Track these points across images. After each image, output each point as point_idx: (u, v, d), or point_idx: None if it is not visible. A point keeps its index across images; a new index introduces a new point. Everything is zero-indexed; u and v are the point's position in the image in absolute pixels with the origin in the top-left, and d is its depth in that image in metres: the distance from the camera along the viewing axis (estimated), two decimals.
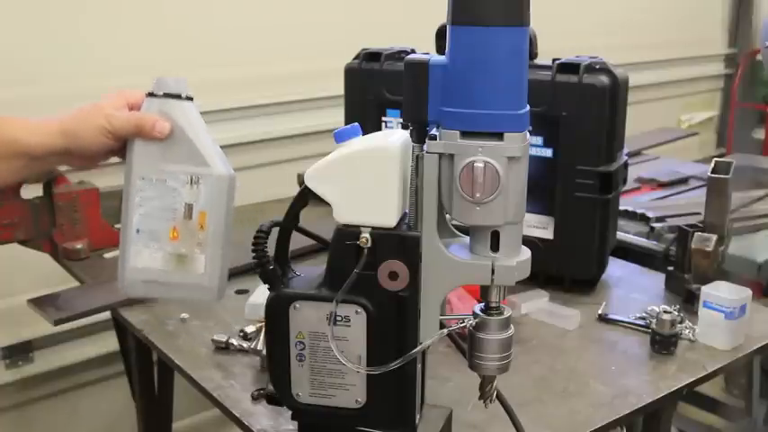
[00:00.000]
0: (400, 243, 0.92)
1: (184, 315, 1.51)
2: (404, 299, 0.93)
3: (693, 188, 2.38)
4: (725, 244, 1.64)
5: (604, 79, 1.53)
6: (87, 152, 1.01)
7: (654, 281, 1.69)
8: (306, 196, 0.96)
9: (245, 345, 1.37)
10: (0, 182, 1.10)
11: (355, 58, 1.79)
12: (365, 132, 0.97)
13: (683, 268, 1.59)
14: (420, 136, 0.92)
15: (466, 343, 0.97)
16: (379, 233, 0.92)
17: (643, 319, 1.49)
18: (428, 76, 0.89)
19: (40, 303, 1.58)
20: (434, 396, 1.10)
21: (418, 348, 0.95)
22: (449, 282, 0.95)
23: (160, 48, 2.24)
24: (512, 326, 0.96)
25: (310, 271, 1.02)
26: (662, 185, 2.41)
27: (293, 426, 1.05)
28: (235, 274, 1.70)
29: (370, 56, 1.76)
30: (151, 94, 0.97)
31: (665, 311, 1.42)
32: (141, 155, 0.96)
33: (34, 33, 2.02)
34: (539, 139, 1.57)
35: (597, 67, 1.55)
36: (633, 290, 1.65)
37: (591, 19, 3.43)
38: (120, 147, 0.99)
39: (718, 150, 4.43)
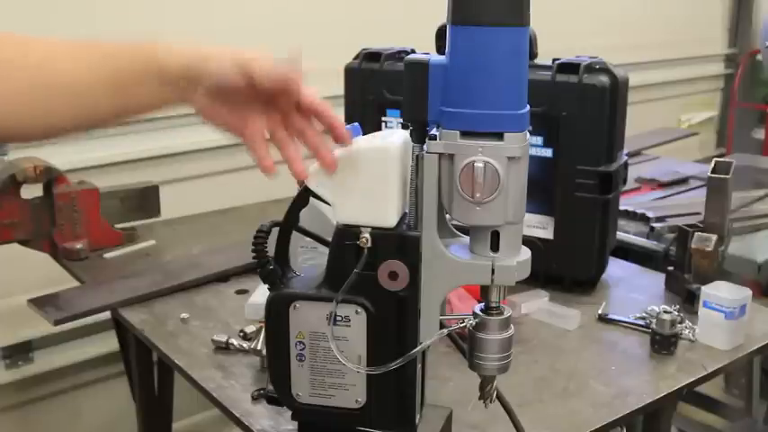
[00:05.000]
0: (400, 243, 0.92)
1: (184, 315, 1.51)
2: (404, 299, 0.93)
3: (693, 188, 2.38)
4: (725, 244, 1.64)
5: (604, 79, 1.53)
6: (214, 86, 0.88)
7: (654, 281, 1.69)
8: (306, 196, 0.97)
9: (245, 345, 1.37)
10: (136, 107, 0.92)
11: (355, 58, 1.79)
12: (365, 132, 0.97)
13: (683, 268, 1.59)
14: (420, 136, 0.92)
15: (466, 343, 0.97)
16: (379, 233, 0.92)
17: (643, 319, 1.49)
18: (428, 76, 0.89)
19: (40, 303, 1.58)
20: (434, 396, 1.10)
21: (418, 348, 0.95)
22: (449, 282, 0.94)
23: None
24: (512, 326, 0.96)
25: (310, 271, 1.02)
26: (662, 185, 2.41)
27: (293, 426, 1.05)
28: (235, 274, 1.71)
29: (370, 56, 1.76)
30: None
31: (665, 311, 1.42)
32: None
33: (34, 33, 2.02)
34: (539, 139, 1.57)
35: (597, 67, 1.55)
36: (633, 290, 1.65)
37: (591, 19, 3.43)
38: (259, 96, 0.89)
39: (718, 150, 4.43)
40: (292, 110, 0.93)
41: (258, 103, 0.92)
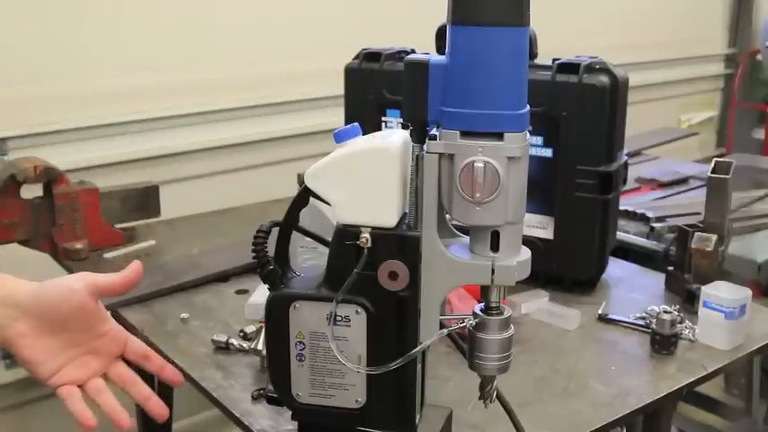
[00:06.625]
0: (400, 243, 0.92)
1: (184, 315, 1.51)
2: (404, 299, 0.93)
3: (693, 188, 2.38)
4: (725, 244, 1.64)
5: (604, 79, 1.53)
6: None
7: (654, 281, 1.69)
8: (306, 196, 0.97)
9: (245, 345, 1.37)
10: None
11: (355, 58, 1.79)
12: (365, 132, 0.97)
13: (683, 268, 1.59)
14: (420, 136, 0.92)
15: (466, 343, 0.97)
16: (378, 233, 0.92)
17: (643, 319, 1.49)
18: (428, 75, 0.89)
19: None
20: (434, 396, 1.10)
21: (418, 348, 0.95)
22: (449, 282, 0.94)
23: (160, 48, 2.24)
24: (512, 326, 0.96)
25: (310, 271, 1.02)
26: (662, 185, 2.41)
27: (293, 426, 1.05)
28: (235, 274, 1.71)
29: (370, 56, 1.76)
30: None
31: (665, 311, 1.42)
32: None
33: (34, 33, 2.02)
34: (539, 139, 1.57)
35: (597, 67, 1.55)
36: (633, 290, 1.65)
37: (591, 19, 3.43)
38: None
39: (718, 150, 4.43)
40: (115, 360, 0.99)
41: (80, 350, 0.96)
